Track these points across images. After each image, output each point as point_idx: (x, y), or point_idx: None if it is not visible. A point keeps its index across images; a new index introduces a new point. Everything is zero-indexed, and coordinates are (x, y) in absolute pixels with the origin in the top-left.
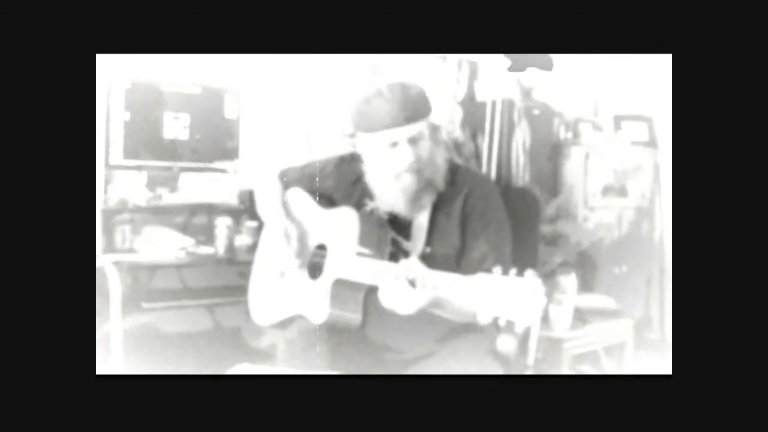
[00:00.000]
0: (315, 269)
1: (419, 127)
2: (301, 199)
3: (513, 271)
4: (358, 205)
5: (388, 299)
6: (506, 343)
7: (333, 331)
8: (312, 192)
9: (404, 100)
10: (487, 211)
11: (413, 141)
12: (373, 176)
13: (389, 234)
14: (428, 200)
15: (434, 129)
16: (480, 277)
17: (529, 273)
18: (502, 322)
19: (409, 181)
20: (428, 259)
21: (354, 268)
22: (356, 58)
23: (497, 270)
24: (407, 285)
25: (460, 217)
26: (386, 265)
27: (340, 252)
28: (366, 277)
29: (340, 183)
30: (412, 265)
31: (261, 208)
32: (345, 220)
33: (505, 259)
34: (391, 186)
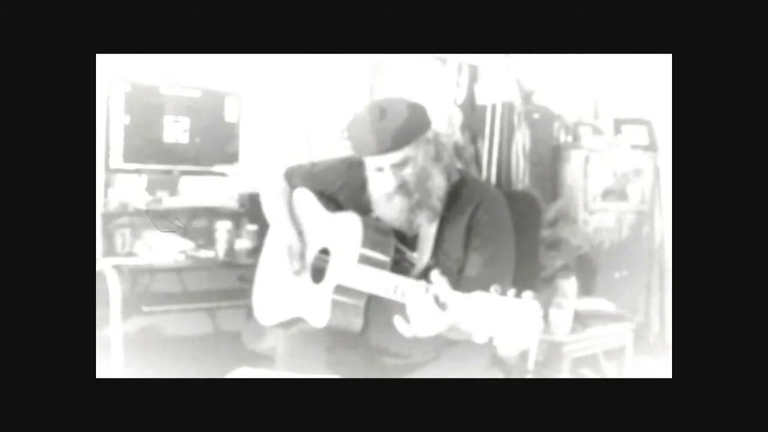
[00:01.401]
0: (318, 273)
1: (404, 153)
2: (306, 200)
3: (511, 291)
4: (365, 210)
5: (416, 317)
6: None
7: (333, 335)
8: (319, 192)
9: (383, 129)
10: (489, 228)
11: (397, 167)
12: (371, 193)
13: (393, 242)
14: (425, 217)
15: (437, 144)
16: (477, 295)
17: (527, 295)
18: (497, 343)
19: (398, 202)
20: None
21: (357, 275)
22: (356, 58)
23: (495, 289)
24: (436, 305)
25: (464, 231)
26: (394, 277)
27: (342, 257)
28: (370, 286)
29: (349, 185)
30: (437, 283)
31: (266, 209)
32: (348, 225)
33: (502, 278)
34: (384, 205)
